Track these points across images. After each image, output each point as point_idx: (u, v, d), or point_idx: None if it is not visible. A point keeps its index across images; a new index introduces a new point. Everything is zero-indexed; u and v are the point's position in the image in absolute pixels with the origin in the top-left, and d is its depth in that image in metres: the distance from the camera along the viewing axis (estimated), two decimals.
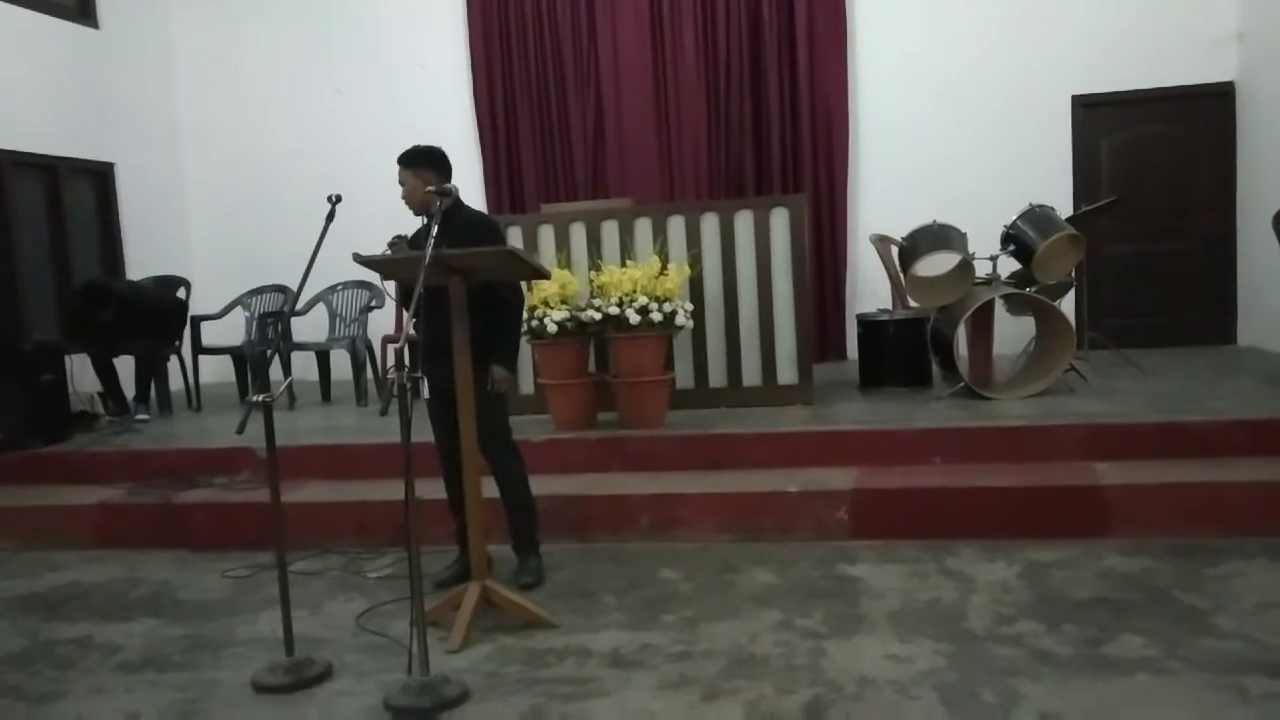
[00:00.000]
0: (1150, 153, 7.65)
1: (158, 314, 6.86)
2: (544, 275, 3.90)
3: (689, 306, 5.44)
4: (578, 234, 5.92)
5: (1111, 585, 3.64)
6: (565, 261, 5.75)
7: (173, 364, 7.18)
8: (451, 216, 3.78)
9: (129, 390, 6.74)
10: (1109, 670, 2.93)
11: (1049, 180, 7.39)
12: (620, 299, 5.20)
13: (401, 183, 3.90)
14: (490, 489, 3.87)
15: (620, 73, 8.14)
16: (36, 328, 7.24)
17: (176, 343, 7.15)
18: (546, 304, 5.23)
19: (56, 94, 7.68)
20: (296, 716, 2.96)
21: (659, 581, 3.98)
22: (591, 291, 5.45)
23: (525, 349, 5.57)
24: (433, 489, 3.86)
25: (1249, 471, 4.32)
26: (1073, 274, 6.18)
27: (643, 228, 5.87)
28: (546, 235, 5.95)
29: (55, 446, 5.91)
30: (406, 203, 3.91)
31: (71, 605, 4.16)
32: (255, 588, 4.22)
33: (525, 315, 5.22)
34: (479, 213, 4.24)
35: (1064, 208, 6.97)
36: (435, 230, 3.27)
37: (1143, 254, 7.67)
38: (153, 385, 6.85)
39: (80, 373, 6.66)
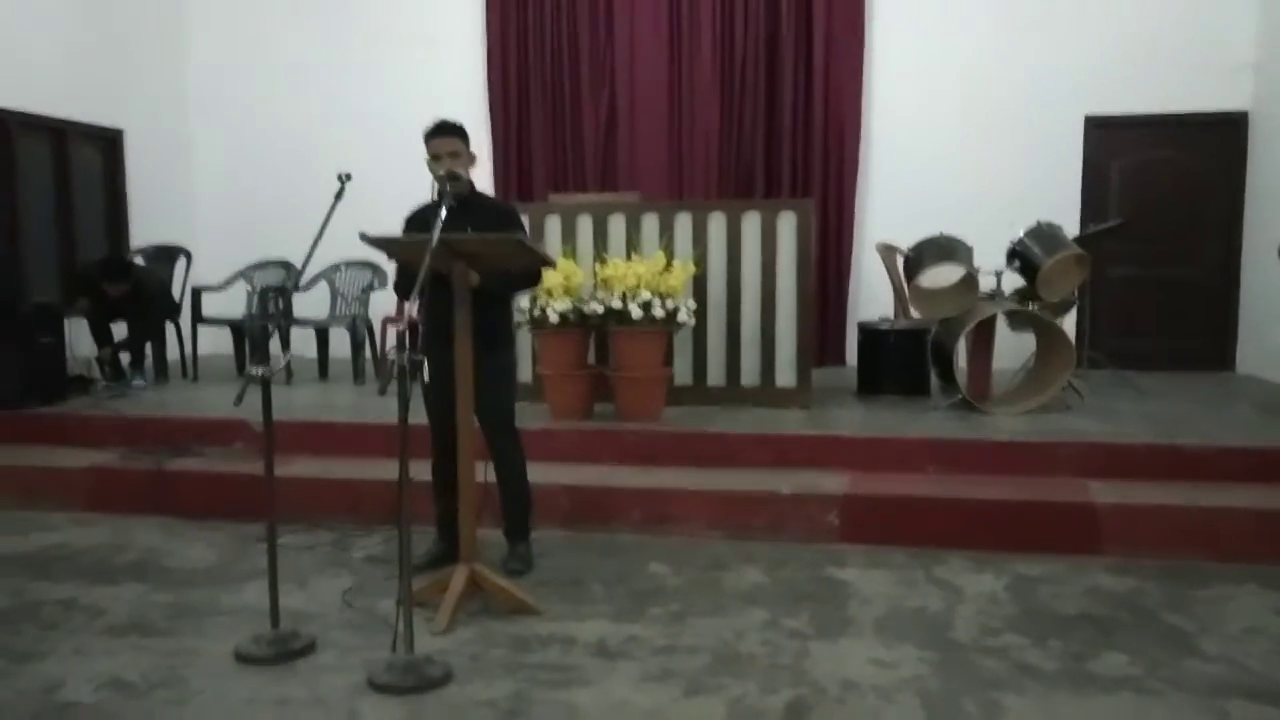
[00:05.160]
0: (1160, 177, 7.64)
1: (149, 301, 6.80)
2: (550, 264, 3.89)
3: (691, 304, 5.46)
4: (584, 225, 5.92)
5: (1099, 603, 3.64)
6: (571, 253, 5.75)
7: (170, 332, 7.17)
8: (468, 202, 3.77)
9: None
10: (1092, 687, 2.94)
11: (1058, 198, 7.39)
12: (623, 293, 5.20)
13: (454, 152, 3.71)
14: (486, 475, 3.87)
15: (636, 67, 8.13)
16: (36, 290, 7.21)
17: (165, 324, 7.11)
18: (549, 294, 5.23)
19: (68, 56, 7.64)
20: (279, 688, 2.96)
21: (648, 574, 3.99)
22: (595, 284, 5.45)
23: (525, 338, 5.59)
24: (425, 471, 3.84)
25: (1242, 498, 4.32)
26: (1075, 293, 6.18)
27: (650, 223, 5.86)
28: (553, 225, 5.94)
29: (50, 408, 5.90)
30: (454, 175, 3.67)
31: (59, 566, 4.16)
32: (243, 559, 4.22)
33: (529, 304, 5.24)
34: (498, 200, 4.20)
35: (1071, 227, 6.98)
36: (445, 214, 3.26)
37: (1146, 277, 7.68)
38: (149, 352, 6.84)
39: (77, 337, 6.66)
